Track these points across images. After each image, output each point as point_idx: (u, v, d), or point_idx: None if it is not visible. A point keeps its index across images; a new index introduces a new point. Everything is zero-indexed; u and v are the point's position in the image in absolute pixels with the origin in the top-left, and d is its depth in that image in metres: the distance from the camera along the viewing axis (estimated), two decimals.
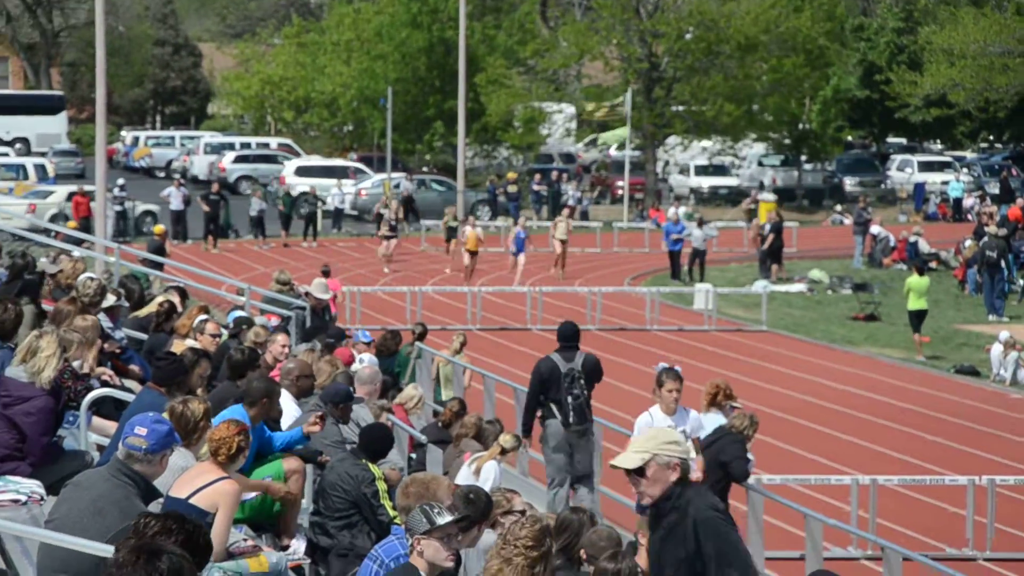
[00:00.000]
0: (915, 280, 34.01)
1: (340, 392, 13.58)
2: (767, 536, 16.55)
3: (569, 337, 17.55)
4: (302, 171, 64.21)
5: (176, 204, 53.40)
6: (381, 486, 11.34)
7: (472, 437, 16.32)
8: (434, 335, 27.60)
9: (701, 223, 46.92)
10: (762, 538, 16.25)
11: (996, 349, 31.30)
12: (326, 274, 34.48)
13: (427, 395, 20.52)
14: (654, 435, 7.71)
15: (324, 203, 57.52)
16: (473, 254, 44.01)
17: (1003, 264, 40.54)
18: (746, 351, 34.22)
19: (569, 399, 17.09)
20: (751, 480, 15.99)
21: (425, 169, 71.24)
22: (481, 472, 14.03)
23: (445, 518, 8.40)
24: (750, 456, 15.47)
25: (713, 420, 15.91)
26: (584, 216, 63.62)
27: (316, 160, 69.00)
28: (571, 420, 17.07)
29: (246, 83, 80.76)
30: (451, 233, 47.70)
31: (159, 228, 42.97)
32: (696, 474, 13.42)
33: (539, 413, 17.33)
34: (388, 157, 63.00)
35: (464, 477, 13.91)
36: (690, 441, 14.23)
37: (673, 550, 7.52)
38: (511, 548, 8.19)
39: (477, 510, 9.59)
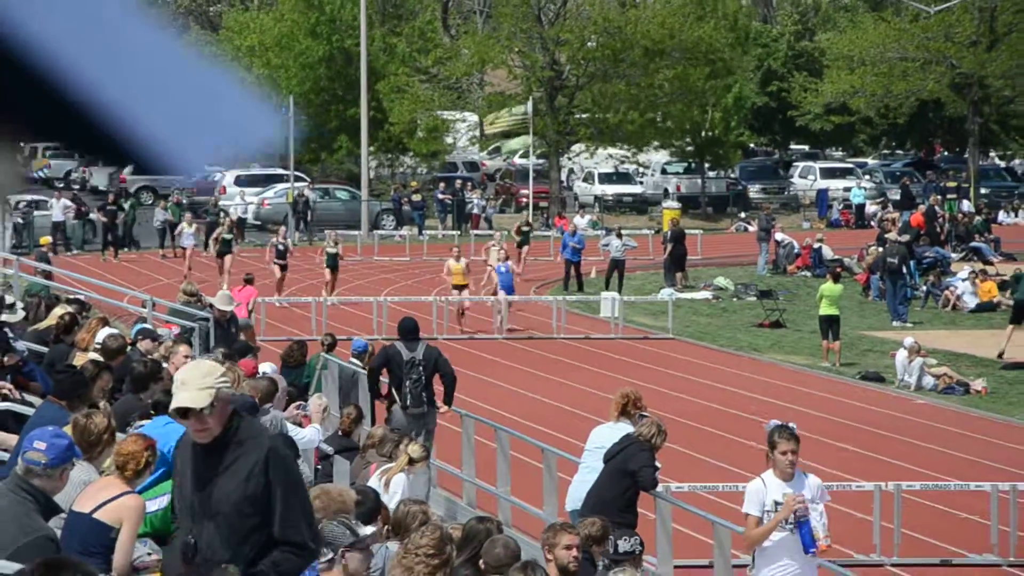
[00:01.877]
0: (829, 287, 34.21)
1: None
2: (676, 544, 16.51)
3: (410, 330, 19.96)
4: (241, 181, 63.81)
5: (57, 215, 52.89)
6: None
7: (379, 449, 16.13)
8: (344, 346, 27.38)
9: (620, 233, 46.88)
10: (671, 546, 16.20)
11: (901, 355, 31.51)
12: (249, 282, 34.44)
13: (333, 405, 20.35)
14: (209, 370, 7.53)
15: (227, 214, 57.08)
16: (461, 288, 37.76)
17: (905, 270, 40.90)
18: (652, 359, 34.26)
19: (408, 383, 19.36)
20: (659, 488, 15.94)
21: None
22: (391, 485, 13.87)
23: (365, 530, 8.32)
24: (658, 464, 15.41)
25: (622, 430, 15.85)
26: (488, 224, 63.59)
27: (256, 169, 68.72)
28: (408, 403, 19.34)
29: None
30: (332, 260, 42.04)
31: (45, 240, 43.16)
32: (822, 543, 12.22)
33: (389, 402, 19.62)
34: (291, 167, 62.66)
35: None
36: (821, 509, 12.49)
37: (228, 483, 7.39)
38: (412, 556, 8.12)
39: (366, 511, 9.52)
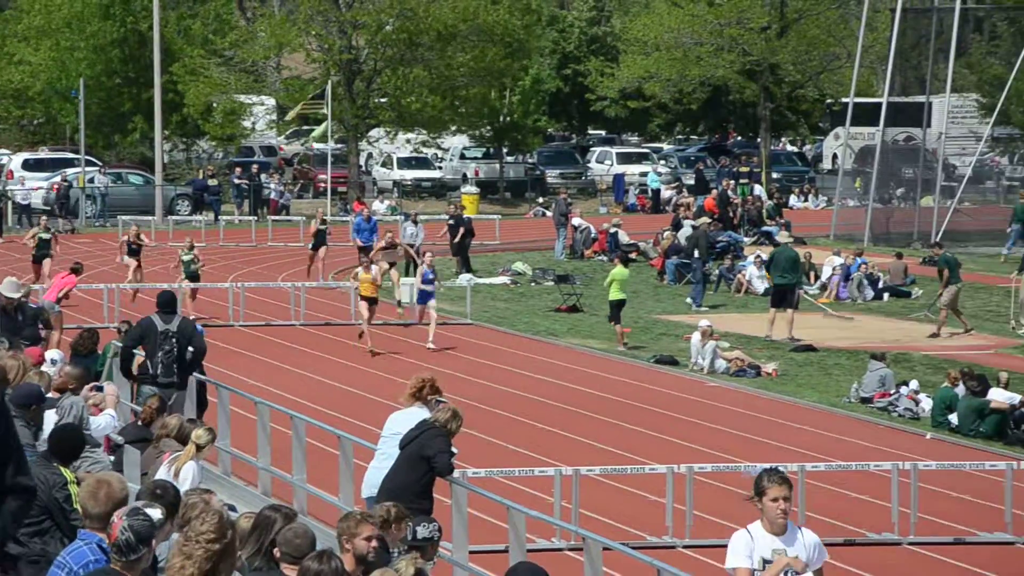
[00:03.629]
0: (619, 271, 34.54)
1: (30, 394, 13.09)
2: (471, 530, 16.54)
3: (167, 303, 20.68)
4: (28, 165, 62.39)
5: None
6: (73, 490, 10.95)
7: (174, 437, 15.90)
8: None
9: (416, 219, 46.73)
10: (466, 532, 16.22)
11: (695, 338, 31.97)
12: (77, 271, 33.80)
13: (124, 394, 20.04)
14: None
15: (10, 198, 55.90)
16: (372, 302, 33.51)
17: (697, 254, 41.47)
18: (450, 344, 34.28)
19: (160, 354, 20.05)
20: (455, 474, 15.95)
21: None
22: (180, 473, 13.68)
23: (156, 513, 8.22)
24: (454, 450, 15.43)
25: (418, 415, 15.83)
26: (286, 210, 63.13)
27: (44, 153, 67.27)
28: (159, 372, 20.07)
29: None
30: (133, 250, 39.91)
31: None
32: None
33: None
34: (82, 151, 61.49)
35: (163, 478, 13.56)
36: (820, 568, 10.47)
37: None
38: (192, 544, 8.01)
39: (166, 505, 9.37)
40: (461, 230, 45.07)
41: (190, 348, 20.36)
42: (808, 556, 10.24)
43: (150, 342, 20.13)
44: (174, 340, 20.08)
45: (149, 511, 8.26)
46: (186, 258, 37.33)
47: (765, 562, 10.11)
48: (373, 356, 32.15)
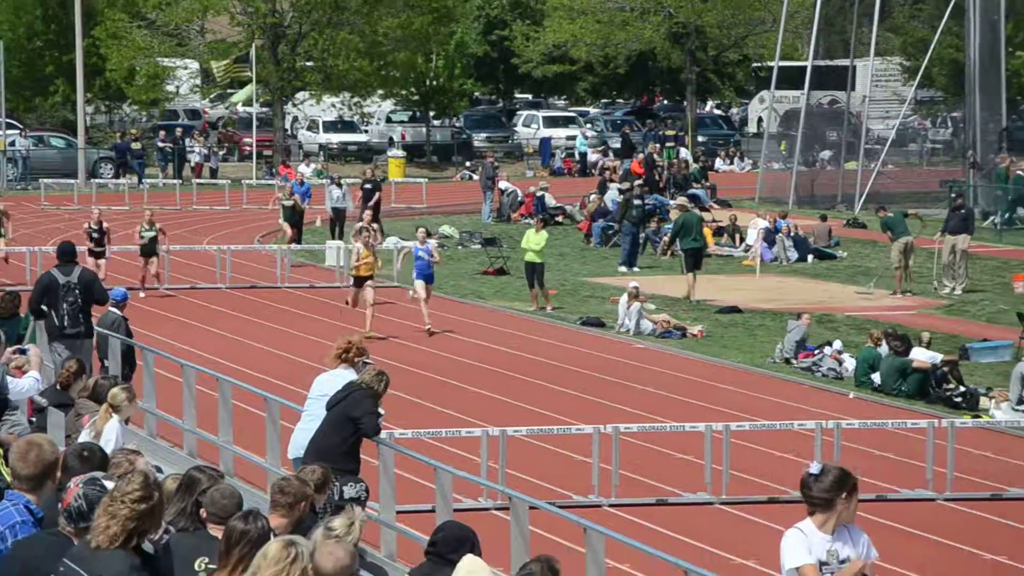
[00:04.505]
0: (535, 234, 34.45)
1: None
2: (399, 490, 16.58)
3: (66, 253, 21.17)
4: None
5: None
6: None
7: (89, 398, 15.79)
8: None
9: (340, 182, 46.54)
10: (393, 492, 16.27)
11: (623, 299, 32.10)
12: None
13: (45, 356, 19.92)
14: None
15: None
16: (365, 280, 30.94)
17: (625, 218, 41.59)
18: (377, 307, 34.20)
19: (64, 306, 20.51)
20: (382, 435, 15.98)
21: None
22: (103, 433, 13.62)
23: (107, 483, 8.23)
24: (381, 411, 15.45)
25: (344, 377, 15.84)
26: (213, 173, 62.80)
27: None
28: (66, 324, 20.52)
29: None
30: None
31: None
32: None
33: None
34: (2, 113, 60.78)
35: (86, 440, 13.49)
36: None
37: None
38: (118, 504, 8.00)
39: (93, 467, 9.33)
40: (377, 195, 44.61)
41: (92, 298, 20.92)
42: (861, 554, 9.51)
43: (53, 295, 20.59)
44: (76, 291, 20.57)
45: (106, 482, 8.29)
46: (147, 235, 34.45)
47: (822, 564, 9.32)
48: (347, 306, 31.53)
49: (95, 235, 34.37)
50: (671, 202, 48.04)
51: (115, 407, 13.97)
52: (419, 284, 31.24)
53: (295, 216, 41.43)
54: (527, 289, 34.88)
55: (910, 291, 36.76)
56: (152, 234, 34.66)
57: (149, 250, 34.79)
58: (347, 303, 31.80)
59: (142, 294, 33.95)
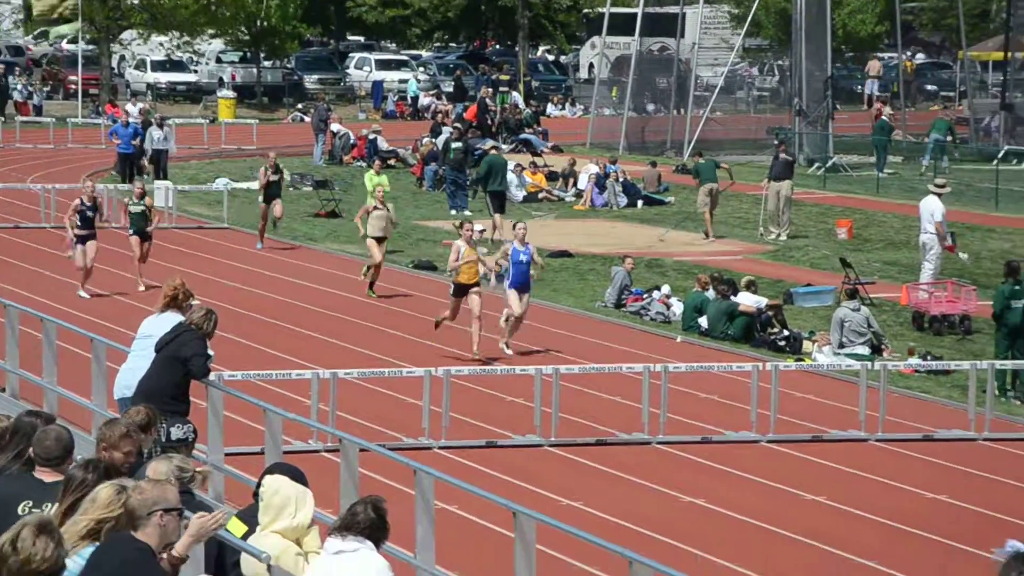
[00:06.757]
0: (376, 177, 34.36)
1: None
2: (227, 432, 16.50)
3: None
4: None
5: None
6: None
7: None
8: None
9: (162, 123, 45.93)
10: (222, 434, 16.18)
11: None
12: None
13: None
14: None
15: None
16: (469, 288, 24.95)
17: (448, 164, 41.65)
18: (207, 249, 33.94)
19: None
20: (212, 376, 15.88)
21: None
22: None
23: None
24: (211, 352, 15.34)
25: (171, 320, 15.70)
26: (37, 111, 61.60)
27: None
28: None
29: None
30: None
31: None
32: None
33: None
34: None
35: None
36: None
37: None
38: None
39: None
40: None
41: None
42: None
43: None
44: None
45: None
46: (135, 210, 29.69)
47: None
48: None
49: (89, 213, 28.41)
50: (481, 145, 47.95)
51: None
52: (512, 296, 24.62)
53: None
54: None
55: (718, 235, 37.28)
56: (140, 210, 29.77)
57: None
58: (439, 323, 24.98)
59: None
